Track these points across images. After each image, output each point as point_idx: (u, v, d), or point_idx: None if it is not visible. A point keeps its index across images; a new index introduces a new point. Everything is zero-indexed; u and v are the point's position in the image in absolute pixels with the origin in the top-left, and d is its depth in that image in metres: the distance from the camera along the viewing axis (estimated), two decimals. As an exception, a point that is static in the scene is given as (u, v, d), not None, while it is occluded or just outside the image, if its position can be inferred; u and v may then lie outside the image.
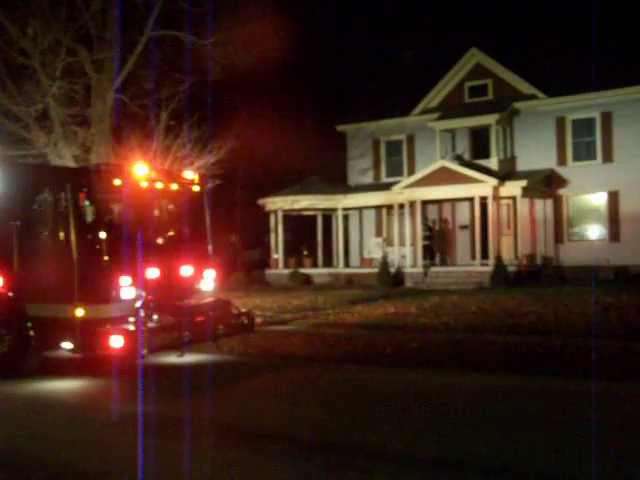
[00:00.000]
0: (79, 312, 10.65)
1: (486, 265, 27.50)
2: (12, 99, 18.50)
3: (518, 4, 39.28)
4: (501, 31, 34.32)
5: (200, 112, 20.53)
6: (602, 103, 28.49)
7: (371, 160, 34.43)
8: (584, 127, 29.30)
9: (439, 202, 31.33)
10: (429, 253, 30.44)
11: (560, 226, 29.77)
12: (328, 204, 33.00)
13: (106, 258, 10.69)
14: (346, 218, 34.24)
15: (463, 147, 31.30)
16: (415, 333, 14.82)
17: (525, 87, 30.20)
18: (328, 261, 34.24)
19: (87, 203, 10.76)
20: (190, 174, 12.83)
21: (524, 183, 28.06)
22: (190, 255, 12.33)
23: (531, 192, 28.97)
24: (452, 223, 32.20)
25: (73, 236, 10.72)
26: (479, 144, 30.94)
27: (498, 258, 26.86)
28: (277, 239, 33.39)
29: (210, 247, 13.04)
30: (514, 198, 28.94)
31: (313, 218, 35.41)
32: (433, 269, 29.20)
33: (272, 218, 33.67)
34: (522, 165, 30.16)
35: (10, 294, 11.45)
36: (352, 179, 34.95)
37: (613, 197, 28.65)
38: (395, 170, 33.54)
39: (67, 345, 10.95)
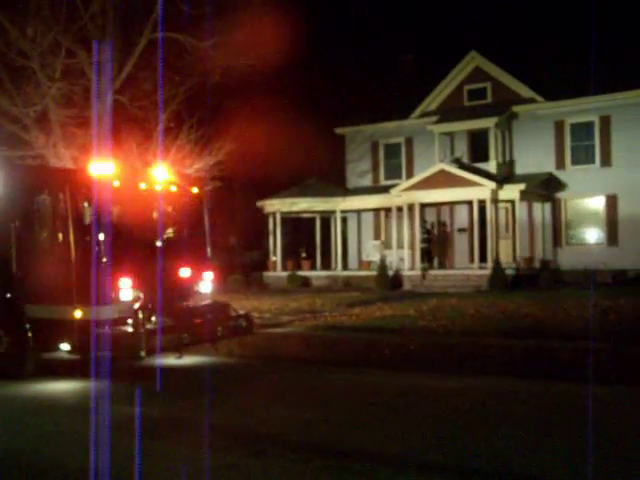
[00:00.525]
0: (77, 313, 10.65)
1: (484, 268, 27.50)
2: (11, 100, 18.51)
3: (518, 8, 39.34)
4: (500, 35, 34.39)
5: (199, 114, 20.54)
6: (601, 107, 28.51)
7: (370, 163, 34.44)
8: (583, 131, 29.32)
9: (437, 205, 31.33)
10: (427, 256, 30.44)
11: (558, 230, 29.79)
12: (326, 206, 33.00)
13: (104, 260, 10.68)
14: (344, 221, 34.25)
15: (462, 150, 31.30)
16: (413, 336, 14.81)
17: (524, 91, 30.22)
18: (326, 264, 34.22)
19: (85, 205, 10.77)
20: (189, 176, 12.84)
21: (523, 187, 28.08)
22: (189, 257, 12.34)
23: (529, 196, 28.99)
24: (450, 226, 32.20)
25: (71, 237, 10.72)
26: (478, 147, 30.95)
27: (496, 261, 26.87)
28: (275, 241, 33.39)
29: (209, 249, 13.04)
30: (513, 201, 28.94)
31: (311, 221, 35.41)
32: (431, 272, 29.19)
33: (270, 220, 33.67)
34: (521, 169, 30.18)
35: (8, 295, 11.44)
36: (351, 182, 34.95)
37: (611, 201, 28.66)
38: (394, 173, 33.54)
39: (65, 346, 10.95)
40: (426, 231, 30.78)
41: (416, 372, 11.41)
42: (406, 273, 29.29)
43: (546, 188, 29.57)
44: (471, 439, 7.40)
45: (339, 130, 35.32)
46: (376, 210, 33.22)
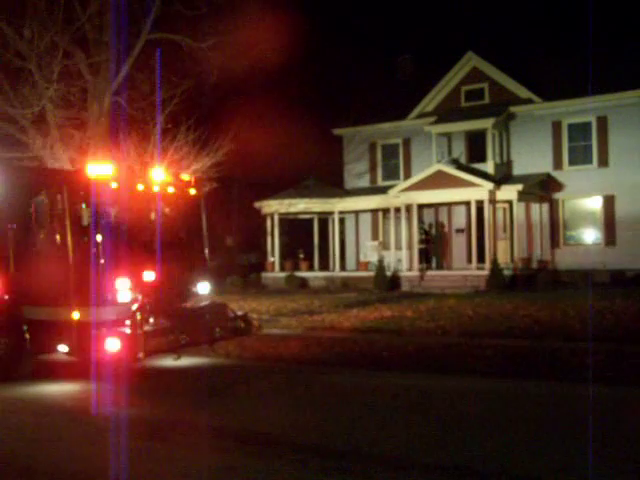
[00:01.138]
0: (75, 315, 10.64)
1: (482, 269, 27.52)
2: (8, 102, 18.47)
3: (515, 9, 39.38)
4: (498, 35, 34.43)
5: (197, 115, 20.53)
6: (598, 107, 28.53)
7: (367, 163, 34.44)
8: (580, 131, 29.36)
9: (435, 206, 31.34)
10: (425, 257, 30.46)
11: (556, 230, 29.81)
12: (324, 207, 33.00)
13: (102, 261, 10.67)
14: (342, 221, 34.24)
15: (459, 151, 31.31)
16: (411, 337, 14.82)
17: (521, 91, 30.25)
18: (324, 264, 34.22)
19: (83, 206, 10.75)
20: (187, 177, 12.83)
21: (520, 187, 28.11)
22: (186, 258, 12.33)
23: (527, 196, 29.01)
24: (448, 227, 32.21)
25: (69, 239, 10.71)
26: (475, 148, 30.96)
27: (494, 262, 26.87)
28: (273, 242, 33.39)
29: (206, 250, 13.03)
30: (510, 202, 28.97)
31: (309, 221, 35.40)
32: (429, 273, 29.20)
33: (268, 221, 33.66)
34: (518, 169, 30.19)
35: (6, 297, 11.42)
36: (348, 182, 34.95)
37: (609, 201, 28.69)
38: (391, 174, 33.56)
39: (63, 348, 10.93)
40: (424, 232, 30.80)
41: (414, 373, 11.40)
42: (404, 274, 29.30)
43: (544, 188, 29.59)
44: (470, 440, 7.40)
45: (337, 131, 35.33)
46: (374, 211, 33.23)
